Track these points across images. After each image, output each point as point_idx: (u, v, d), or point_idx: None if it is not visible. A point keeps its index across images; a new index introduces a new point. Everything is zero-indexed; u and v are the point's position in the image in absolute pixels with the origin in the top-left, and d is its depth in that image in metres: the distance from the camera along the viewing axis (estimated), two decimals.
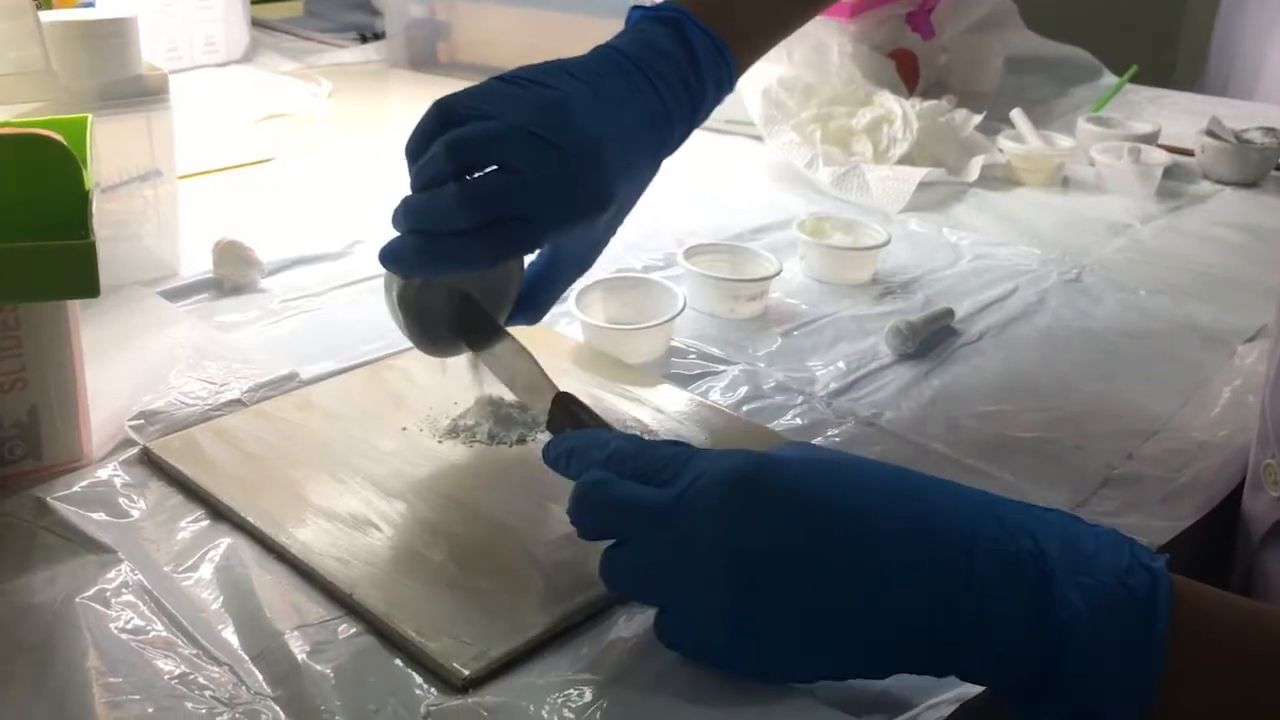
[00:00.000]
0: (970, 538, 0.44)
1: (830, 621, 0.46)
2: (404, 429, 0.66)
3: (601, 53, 0.63)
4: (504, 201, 0.57)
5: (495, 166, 0.57)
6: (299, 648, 0.50)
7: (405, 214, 0.58)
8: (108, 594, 0.53)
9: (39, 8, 0.72)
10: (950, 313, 0.84)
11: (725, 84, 0.67)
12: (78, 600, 0.52)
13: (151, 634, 0.51)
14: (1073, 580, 0.43)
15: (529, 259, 0.67)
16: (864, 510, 0.46)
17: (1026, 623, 0.43)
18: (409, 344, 0.76)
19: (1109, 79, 1.48)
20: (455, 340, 0.66)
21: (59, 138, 0.57)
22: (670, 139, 0.65)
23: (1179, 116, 1.37)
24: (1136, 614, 0.42)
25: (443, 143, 0.57)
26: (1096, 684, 0.42)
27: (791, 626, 0.46)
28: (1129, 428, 0.72)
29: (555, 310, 0.82)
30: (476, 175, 0.57)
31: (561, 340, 0.78)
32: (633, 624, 0.52)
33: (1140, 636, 0.42)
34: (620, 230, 0.67)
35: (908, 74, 1.28)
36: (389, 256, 0.60)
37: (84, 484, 0.60)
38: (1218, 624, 0.44)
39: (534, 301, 0.67)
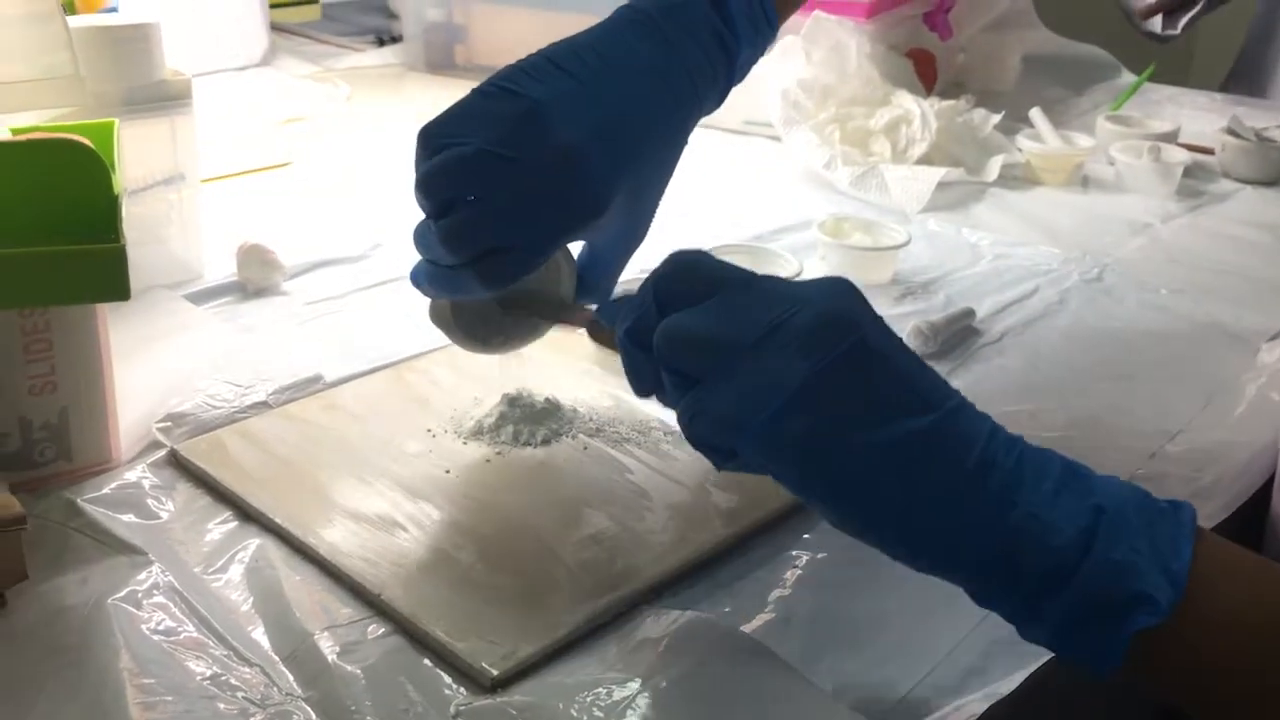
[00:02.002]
0: (1008, 435, 0.45)
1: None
2: (428, 430, 0.67)
3: (616, 16, 0.60)
4: (479, 235, 0.54)
5: (472, 197, 0.55)
6: (329, 648, 0.51)
7: (415, 243, 0.58)
8: (139, 595, 0.53)
9: (65, 13, 0.73)
10: (971, 313, 0.84)
11: (763, 26, 0.62)
12: (109, 602, 0.52)
13: (183, 635, 0.51)
14: (1101, 480, 0.44)
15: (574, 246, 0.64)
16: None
17: (1064, 495, 0.43)
18: (432, 346, 0.77)
19: (1127, 78, 1.48)
20: (503, 338, 0.64)
21: (88, 142, 0.57)
22: (700, 91, 0.61)
23: (1197, 115, 1.36)
24: (1164, 515, 0.43)
25: (417, 182, 0.55)
26: (1130, 565, 0.42)
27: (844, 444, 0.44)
28: (1152, 427, 0.72)
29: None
30: (456, 212, 0.55)
31: (583, 343, 0.78)
32: (659, 624, 0.52)
33: (1171, 531, 0.42)
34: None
35: (926, 74, 1.28)
36: (413, 279, 0.59)
37: (113, 486, 0.61)
38: (1235, 551, 0.44)
39: (593, 283, 0.64)
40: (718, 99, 0.63)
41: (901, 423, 0.43)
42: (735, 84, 0.65)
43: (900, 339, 0.46)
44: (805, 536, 0.60)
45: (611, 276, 0.64)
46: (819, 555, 0.58)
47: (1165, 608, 0.41)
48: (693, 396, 0.46)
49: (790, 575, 0.57)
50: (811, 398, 0.43)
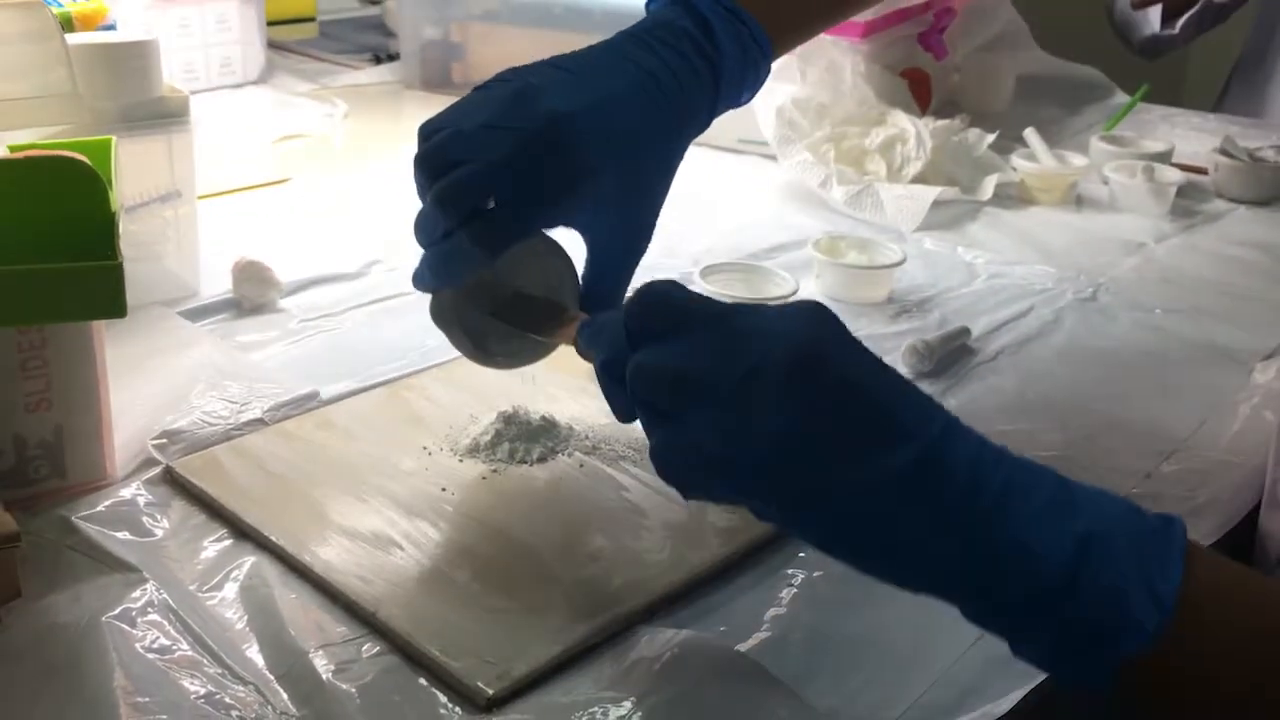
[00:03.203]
0: (996, 453, 0.44)
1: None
2: (424, 448, 0.67)
3: (611, 37, 0.64)
4: (469, 191, 0.57)
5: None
6: (324, 667, 0.51)
7: (415, 231, 0.60)
8: (133, 613, 0.53)
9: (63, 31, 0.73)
10: (966, 331, 0.85)
11: (751, 47, 0.65)
12: (104, 620, 0.52)
13: (177, 653, 0.51)
14: (1090, 496, 0.43)
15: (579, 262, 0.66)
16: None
17: (1050, 519, 0.42)
18: (428, 363, 0.77)
19: (1121, 98, 1.48)
20: (508, 349, 0.64)
21: (85, 160, 0.57)
22: (687, 92, 0.63)
23: (1191, 135, 1.37)
24: (1154, 534, 0.42)
25: (415, 160, 0.59)
26: (1116, 590, 0.41)
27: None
28: (1147, 447, 0.72)
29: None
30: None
31: (576, 359, 0.78)
32: (655, 643, 0.52)
33: (1160, 551, 0.42)
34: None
35: (920, 94, 1.28)
36: (414, 280, 0.61)
37: (108, 503, 0.61)
38: (1227, 567, 0.43)
39: (599, 296, 0.64)
40: (708, 108, 0.65)
41: (881, 460, 0.42)
42: (730, 103, 0.66)
43: (879, 360, 0.46)
44: (801, 555, 0.60)
45: (618, 287, 0.65)
46: (815, 574, 0.58)
47: (1152, 633, 0.41)
48: (664, 433, 0.46)
49: (786, 594, 0.57)
50: (786, 443, 0.43)
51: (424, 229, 0.59)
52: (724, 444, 0.43)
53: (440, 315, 0.62)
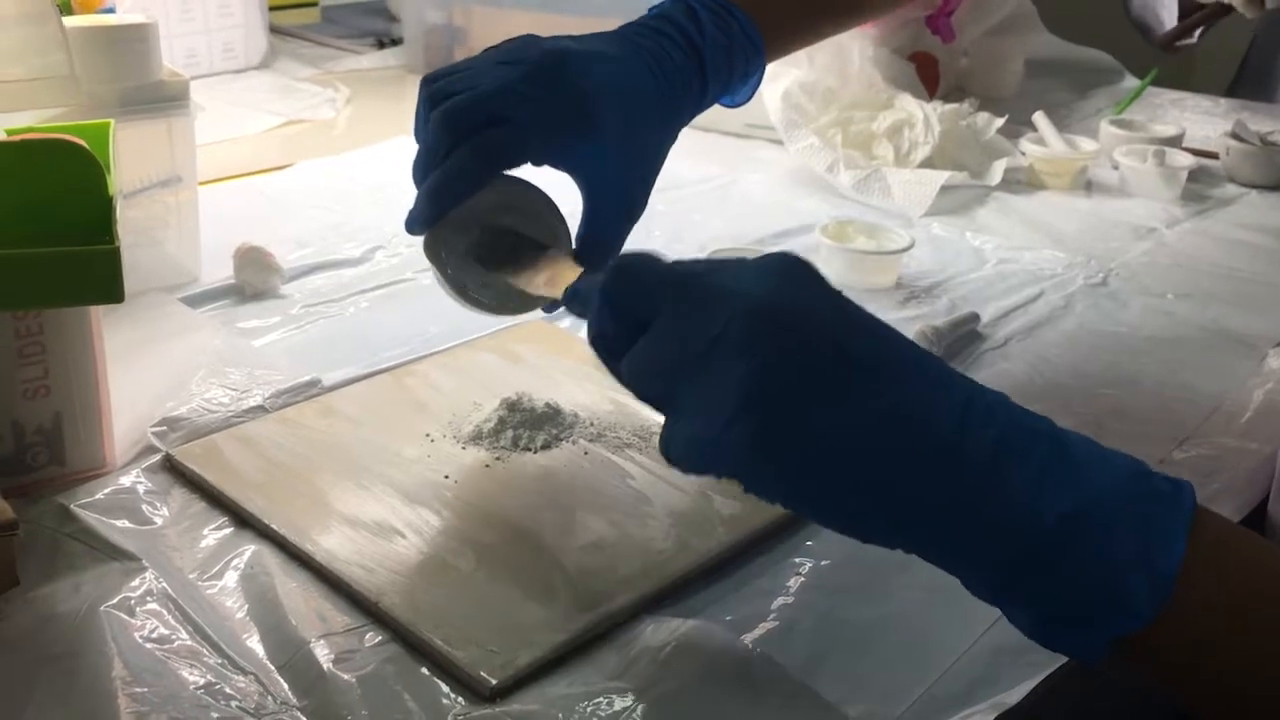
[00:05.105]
0: (987, 407, 0.42)
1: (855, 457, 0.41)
2: (427, 435, 0.66)
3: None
4: (473, 109, 0.59)
5: None
6: (325, 657, 0.50)
7: (412, 176, 0.61)
8: (132, 602, 0.52)
9: (60, 13, 0.72)
10: (976, 317, 0.84)
11: (739, 36, 0.69)
12: (102, 609, 0.52)
13: (177, 643, 0.50)
14: (1091, 456, 0.41)
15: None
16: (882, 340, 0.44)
17: (1048, 483, 0.40)
18: (430, 349, 0.76)
19: (1130, 82, 1.47)
20: (490, 287, 0.63)
21: (83, 143, 0.56)
22: (679, 80, 0.66)
23: (1201, 119, 1.35)
24: (1161, 500, 0.40)
25: (419, 99, 0.62)
26: (1108, 565, 0.39)
27: (805, 447, 0.41)
28: (1160, 433, 0.71)
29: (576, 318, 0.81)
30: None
31: (581, 346, 0.77)
32: (660, 633, 0.52)
33: (1165, 522, 0.40)
34: (643, 236, 0.67)
35: (928, 77, 1.27)
36: (407, 222, 0.61)
37: (107, 491, 0.60)
38: (1235, 536, 0.42)
39: (590, 250, 0.64)
40: (699, 88, 0.68)
41: (851, 409, 0.41)
42: (721, 85, 0.68)
43: (859, 309, 0.44)
44: (808, 543, 0.59)
45: (612, 247, 0.64)
46: (822, 562, 0.58)
47: (1146, 612, 0.39)
48: (666, 425, 0.45)
49: (793, 582, 0.56)
50: (756, 401, 0.41)
51: (422, 159, 0.61)
52: (707, 414, 0.42)
53: (432, 249, 0.62)
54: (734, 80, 0.69)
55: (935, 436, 0.41)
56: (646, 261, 0.46)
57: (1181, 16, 1.39)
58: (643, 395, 0.46)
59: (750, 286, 0.43)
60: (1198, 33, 1.40)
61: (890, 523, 0.42)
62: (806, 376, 0.41)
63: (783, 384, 0.41)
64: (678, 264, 0.46)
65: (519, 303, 0.63)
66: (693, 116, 0.68)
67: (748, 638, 0.52)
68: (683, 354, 0.43)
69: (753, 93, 0.71)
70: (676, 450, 0.44)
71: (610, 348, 0.46)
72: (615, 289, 0.46)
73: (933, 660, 0.52)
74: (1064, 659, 0.50)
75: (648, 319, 0.45)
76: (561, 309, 0.65)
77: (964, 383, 0.43)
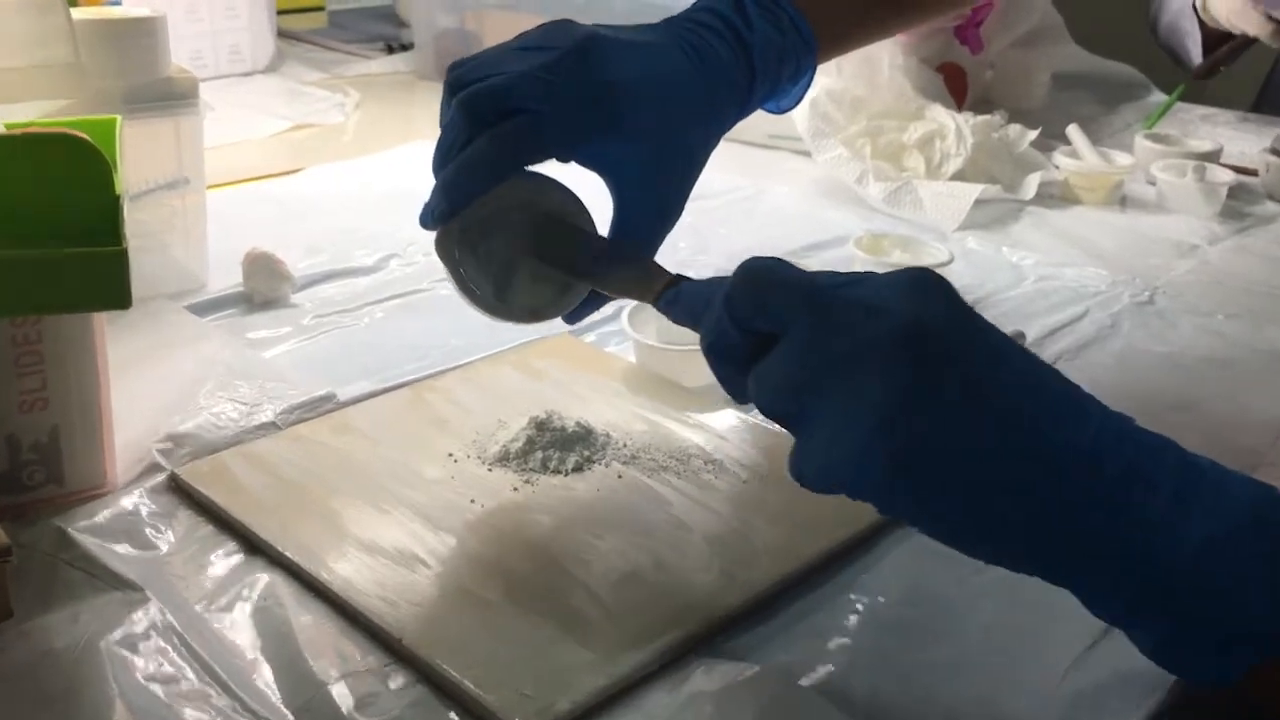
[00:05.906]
0: (1117, 430, 0.41)
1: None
2: (450, 455, 0.62)
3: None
4: (496, 96, 0.55)
5: None
6: (344, 700, 0.46)
7: (431, 168, 0.57)
8: (135, 638, 0.48)
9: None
10: (1021, 335, 0.80)
11: (790, 31, 0.64)
12: (102, 644, 0.47)
13: (183, 684, 0.46)
14: (1225, 484, 0.40)
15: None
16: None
17: (1178, 508, 0.39)
18: (449, 363, 0.72)
19: (1157, 96, 1.44)
20: (518, 291, 0.58)
21: (88, 138, 0.52)
22: (724, 76, 0.62)
23: (1232, 135, 1.32)
24: None
25: (445, 85, 0.57)
26: (1238, 596, 0.38)
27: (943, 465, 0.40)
28: (1227, 459, 0.67)
29: (606, 329, 0.78)
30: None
31: (612, 361, 0.74)
32: (713, 676, 0.47)
33: None
34: (668, 248, 0.62)
35: (956, 88, 1.24)
36: (422, 216, 0.56)
37: (108, 513, 0.56)
38: None
39: (623, 249, 0.60)
40: (745, 84, 0.63)
41: (990, 432, 0.40)
42: (771, 81, 0.64)
43: (994, 327, 0.43)
44: (862, 577, 0.55)
45: (643, 245, 0.60)
46: (879, 599, 0.54)
47: (1275, 643, 0.38)
48: (798, 443, 0.43)
49: (851, 620, 0.52)
50: (898, 422, 0.40)
51: (442, 146, 0.56)
52: (845, 434, 0.41)
53: (444, 247, 0.56)
54: (783, 80, 0.65)
55: (1074, 458, 0.40)
56: (776, 268, 0.44)
57: (1206, 45, 1.37)
58: (771, 411, 0.44)
59: (893, 304, 0.41)
60: (1229, 64, 1.38)
61: (1026, 544, 0.41)
62: (949, 397, 0.40)
63: (924, 404, 0.40)
64: (806, 274, 0.44)
65: (536, 311, 0.59)
66: (739, 118, 0.63)
67: (805, 682, 0.48)
68: (821, 371, 0.41)
69: (802, 95, 0.67)
70: (809, 469, 0.42)
71: (736, 358, 0.44)
72: (744, 297, 0.44)
73: (1006, 709, 0.48)
74: (1147, 709, 0.47)
75: (775, 330, 0.43)
76: (585, 320, 0.61)
77: (1095, 404, 0.42)
